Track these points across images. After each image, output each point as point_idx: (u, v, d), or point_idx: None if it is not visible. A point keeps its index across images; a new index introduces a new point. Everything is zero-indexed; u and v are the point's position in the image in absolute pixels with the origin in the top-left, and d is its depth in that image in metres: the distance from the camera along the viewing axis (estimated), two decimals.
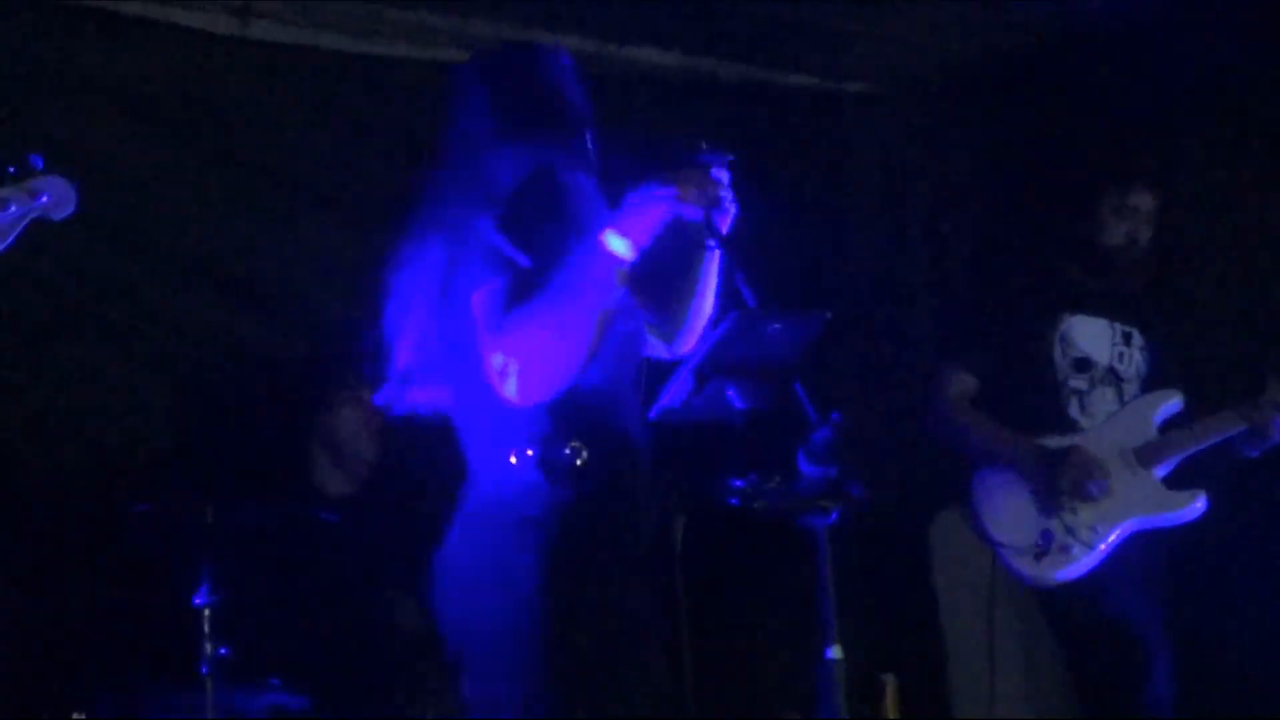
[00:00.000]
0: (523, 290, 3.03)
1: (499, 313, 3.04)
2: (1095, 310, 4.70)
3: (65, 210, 2.96)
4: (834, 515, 2.69)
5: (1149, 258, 4.71)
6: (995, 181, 5.67)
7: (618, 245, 2.99)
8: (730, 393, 2.80)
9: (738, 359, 2.80)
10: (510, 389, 3.01)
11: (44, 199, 2.93)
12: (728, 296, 3.21)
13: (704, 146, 3.09)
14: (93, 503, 4.51)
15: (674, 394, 2.82)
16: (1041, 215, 4.94)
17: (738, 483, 2.73)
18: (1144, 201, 4.66)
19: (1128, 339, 4.72)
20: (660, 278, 3.28)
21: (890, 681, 4.92)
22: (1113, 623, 4.52)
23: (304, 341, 4.96)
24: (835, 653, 2.70)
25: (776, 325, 2.78)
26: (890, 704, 4.91)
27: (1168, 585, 4.66)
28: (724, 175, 3.07)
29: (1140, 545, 4.53)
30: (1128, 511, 4.51)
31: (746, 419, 2.80)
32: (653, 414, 2.89)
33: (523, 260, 3.05)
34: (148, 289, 4.80)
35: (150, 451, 4.76)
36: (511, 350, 3.01)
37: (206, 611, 4.20)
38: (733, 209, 3.11)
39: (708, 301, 3.29)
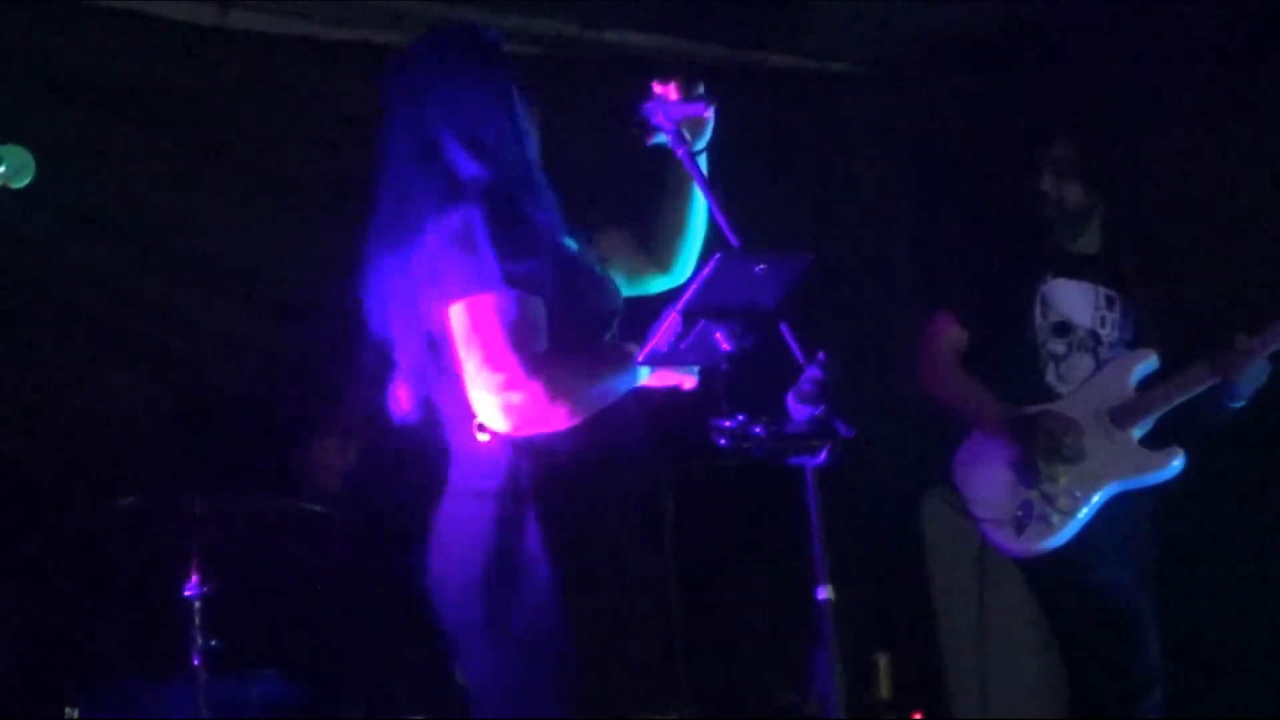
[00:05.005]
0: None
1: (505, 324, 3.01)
2: (1078, 273, 4.69)
3: (24, 178, 2.97)
4: (822, 455, 2.68)
5: (1089, 211, 4.70)
6: (982, 155, 5.68)
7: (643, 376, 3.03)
8: (717, 335, 2.79)
9: (724, 301, 2.80)
10: (505, 422, 2.99)
11: (2, 166, 2.94)
12: (712, 240, 3.22)
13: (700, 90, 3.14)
14: (82, 495, 4.49)
15: (661, 338, 2.82)
16: (1018, 184, 4.95)
17: (726, 424, 2.72)
18: (1067, 150, 4.66)
19: (1110, 302, 4.71)
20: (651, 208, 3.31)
21: (884, 660, 4.93)
22: (1099, 592, 4.49)
23: (289, 331, 4.95)
24: (827, 593, 2.68)
25: (761, 266, 2.79)
26: (884, 682, 4.91)
27: (1152, 549, 4.65)
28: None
29: (1121, 508, 4.52)
30: (1105, 476, 4.49)
31: (734, 361, 2.80)
32: (640, 358, 2.88)
33: (484, 173, 3.06)
34: (132, 281, 4.81)
35: (138, 443, 4.75)
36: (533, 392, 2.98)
37: (197, 603, 4.19)
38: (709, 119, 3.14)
39: (700, 224, 3.34)
